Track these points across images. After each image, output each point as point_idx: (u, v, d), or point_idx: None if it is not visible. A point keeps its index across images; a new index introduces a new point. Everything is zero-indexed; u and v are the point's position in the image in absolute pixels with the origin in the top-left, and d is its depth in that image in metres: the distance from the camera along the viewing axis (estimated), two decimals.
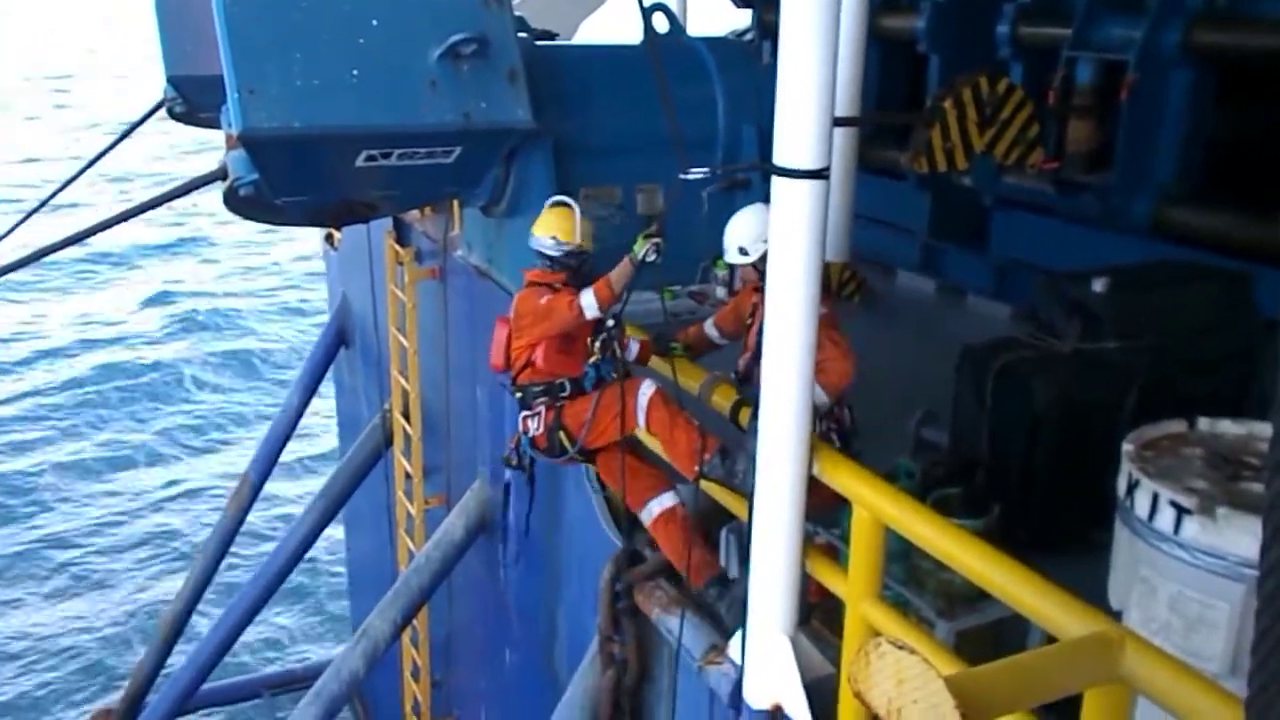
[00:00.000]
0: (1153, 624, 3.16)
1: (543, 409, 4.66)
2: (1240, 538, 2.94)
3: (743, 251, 4.55)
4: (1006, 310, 8.57)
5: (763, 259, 4.42)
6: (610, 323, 4.57)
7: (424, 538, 7.94)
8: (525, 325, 4.64)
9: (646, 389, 4.46)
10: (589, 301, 4.42)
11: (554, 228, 4.73)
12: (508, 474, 5.02)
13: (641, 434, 4.60)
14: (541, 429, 4.65)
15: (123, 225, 6.93)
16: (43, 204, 8.95)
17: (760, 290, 4.52)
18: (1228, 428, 3.56)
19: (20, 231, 8.75)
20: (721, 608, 4.31)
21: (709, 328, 4.85)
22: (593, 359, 4.59)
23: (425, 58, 5.38)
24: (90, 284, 28.45)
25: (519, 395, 4.77)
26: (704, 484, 4.31)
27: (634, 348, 4.79)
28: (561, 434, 4.62)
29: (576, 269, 4.71)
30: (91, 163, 9.33)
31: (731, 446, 4.21)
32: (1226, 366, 5.52)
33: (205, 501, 18.13)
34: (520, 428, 4.76)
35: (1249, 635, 1.51)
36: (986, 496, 4.85)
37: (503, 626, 7.21)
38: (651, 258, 4.32)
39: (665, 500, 4.60)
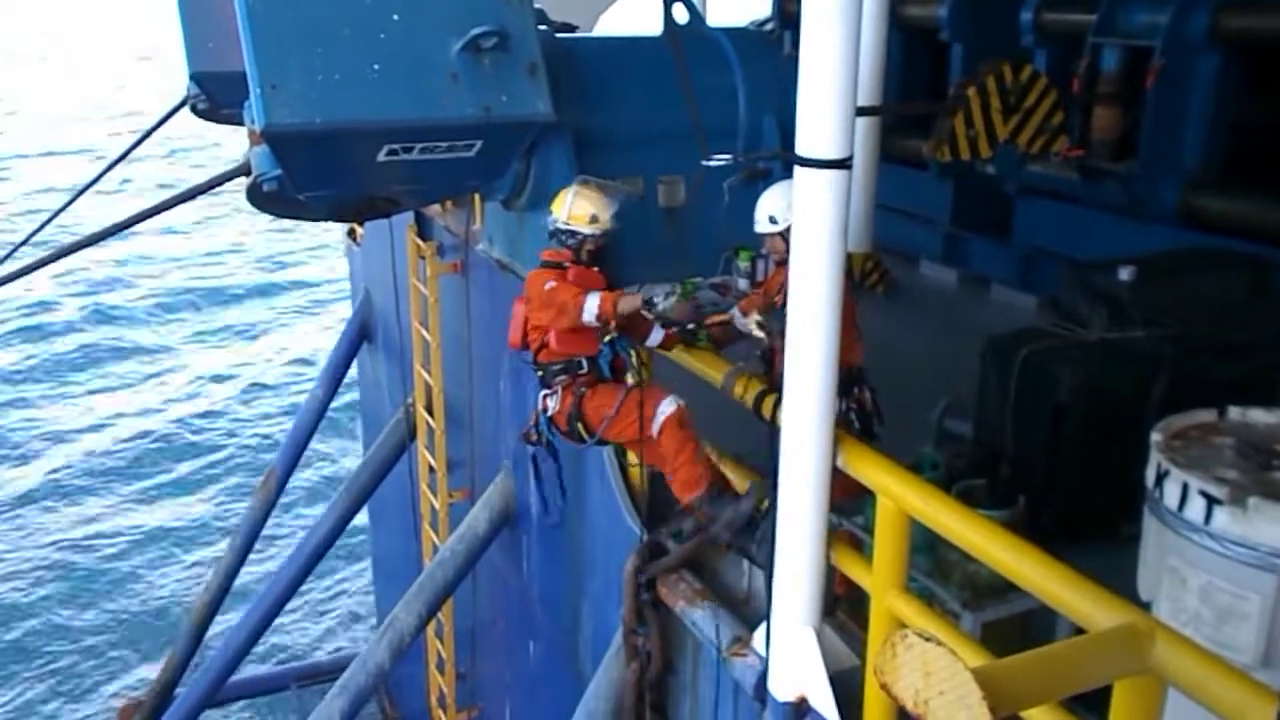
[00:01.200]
0: (1183, 615, 3.13)
1: (560, 388, 4.71)
2: (1272, 528, 2.91)
3: (772, 220, 4.54)
4: (1031, 300, 8.51)
5: (790, 230, 4.42)
6: None
7: (448, 531, 7.97)
8: (533, 308, 4.71)
9: (667, 406, 4.50)
10: (591, 305, 4.46)
11: (551, 204, 4.84)
12: (530, 449, 5.07)
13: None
14: (560, 409, 4.69)
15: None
16: (64, 208, 9.02)
17: (785, 264, 4.51)
18: (1258, 416, 3.52)
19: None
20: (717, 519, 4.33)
21: (735, 316, 4.84)
22: (608, 337, 4.60)
23: (446, 51, 5.39)
24: None
25: (539, 373, 4.86)
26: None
27: (658, 335, 4.80)
28: (580, 425, 4.67)
29: (576, 248, 4.73)
30: (115, 163, 9.40)
31: (725, 495, 4.27)
32: (1255, 354, 5.46)
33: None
34: (539, 405, 4.81)
35: None
36: (1012, 487, 4.82)
37: (527, 619, 7.24)
38: (658, 303, 4.44)
39: (668, 407, 4.57)
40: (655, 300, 4.40)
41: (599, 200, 4.74)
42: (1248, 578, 2.99)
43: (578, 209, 4.72)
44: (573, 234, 4.71)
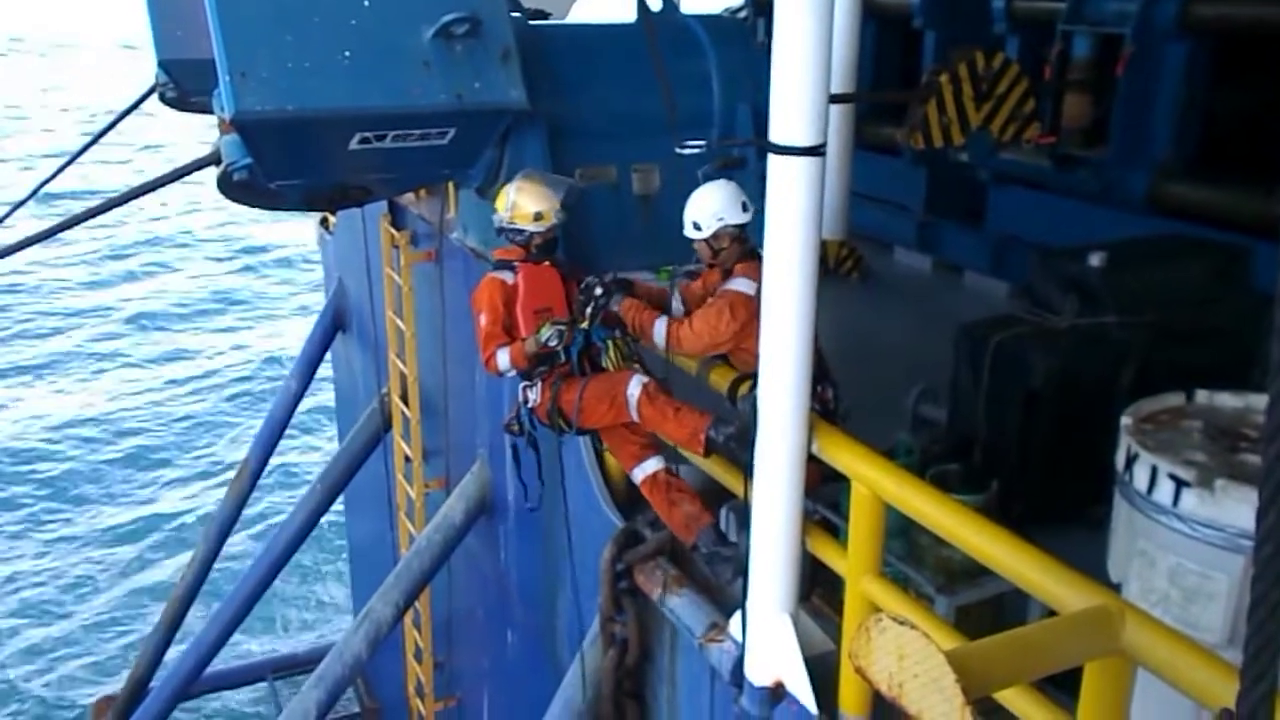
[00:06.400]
0: (1152, 596, 3.17)
1: (539, 380, 4.70)
2: (1239, 509, 2.94)
3: (696, 226, 4.48)
4: (1003, 287, 8.56)
5: (715, 237, 4.42)
6: (599, 291, 4.58)
7: (424, 520, 7.95)
8: (475, 318, 4.76)
9: (634, 387, 4.47)
10: (503, 361, 4.64)
11: (495, 202, 4.84)
12: (509, 440, 5.06)
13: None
14: (540, 400, 4.69)
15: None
16: (32, 194, 8.91)
17: (715, 268, 4.53)
18: (1226, 400, 3.57)
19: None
20: (715, 562, 4.35)
21: (676, 302, 4.79)
22: (583, 325, 4.59)
23: (418, 38, 5.35)
24: None
25: None
26: (704, 461, 4.34)
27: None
28: (559, 418, 4.68)
29: (525, 244, 4.72)
30: (80, 152, 9.28)
31: (725, 415, 4.25)
32: (1224, 340, 5.52)
33: None
34: (520, 397, 4.81)
35: (1247, 606, 1.52)
36: (985, 472, 4.86)
37: (504, 608, 7.24)
38: (553, 342, 4.49)
39: (649, 466, 4.65)
40: (548, 338, 4.48)
41: (541, 194, 4.70)
42: (1215, 559, 3.03)
43: (521, 206, 4.69)
44: (519, 231, 4.70)
